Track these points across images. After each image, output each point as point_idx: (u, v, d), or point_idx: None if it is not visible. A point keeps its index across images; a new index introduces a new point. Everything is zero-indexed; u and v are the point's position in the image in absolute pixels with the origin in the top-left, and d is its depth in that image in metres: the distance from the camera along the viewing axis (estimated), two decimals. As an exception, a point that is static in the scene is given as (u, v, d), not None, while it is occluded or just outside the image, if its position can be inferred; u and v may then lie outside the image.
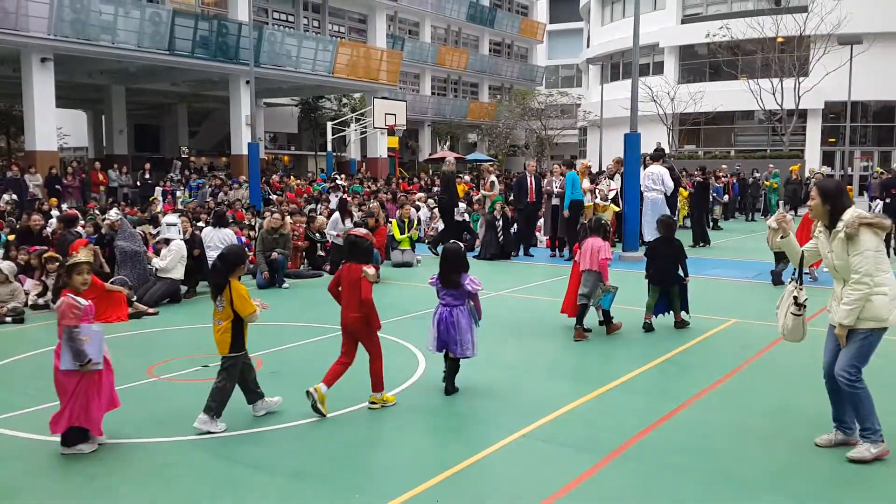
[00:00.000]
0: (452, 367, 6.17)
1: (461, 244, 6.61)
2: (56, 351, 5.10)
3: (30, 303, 9.98)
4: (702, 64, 41.19)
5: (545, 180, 15.33)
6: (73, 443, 4.97)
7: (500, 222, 14.66)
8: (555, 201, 14.58)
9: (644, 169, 15.63)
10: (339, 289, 5.80)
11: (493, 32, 50.34)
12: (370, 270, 5.56)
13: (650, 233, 14.70)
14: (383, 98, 30.73)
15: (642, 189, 15.17)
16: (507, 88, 51.44)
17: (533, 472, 4.71)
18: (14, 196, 17.69)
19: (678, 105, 36.69)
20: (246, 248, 13.01)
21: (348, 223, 13.55)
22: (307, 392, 5.59)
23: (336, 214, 14.00)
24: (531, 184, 15.01)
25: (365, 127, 31.59)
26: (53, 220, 13.34)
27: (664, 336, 8.18)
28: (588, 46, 49.90)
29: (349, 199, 17.80)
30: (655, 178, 15.39)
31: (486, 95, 50.48)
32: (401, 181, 28.29)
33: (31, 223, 12.62)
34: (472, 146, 49.74)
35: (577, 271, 8.10)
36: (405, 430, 5.48)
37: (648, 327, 8.25)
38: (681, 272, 8.26)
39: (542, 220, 16.35)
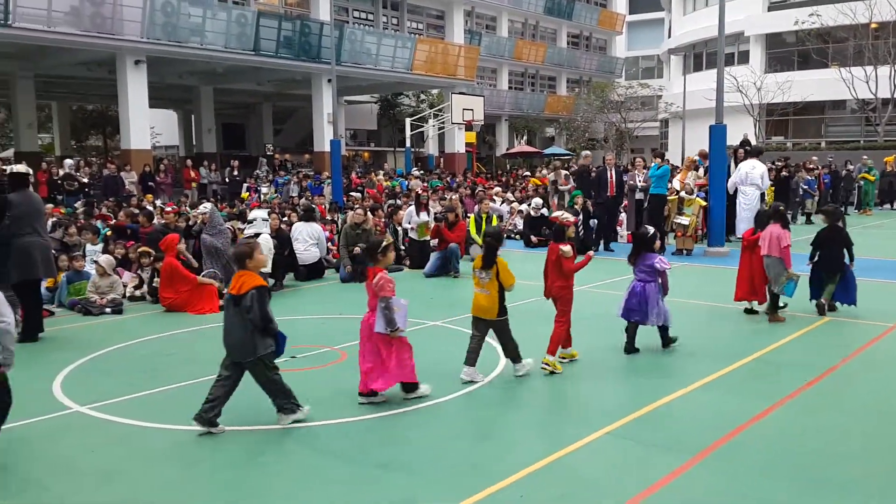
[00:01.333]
0: (634, 330, 7.20)
1: (650, 229, 7.38)
2: (366, 319, 5.85)
3: (127, 294, 10.47)
4: (790, 52, 39.64)
5: (627, 174, 15.07)
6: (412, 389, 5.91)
7: (580, 217, 14.49)
8: (638, 195, 14.33)
9: (738, 162, 15.19)
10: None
11: (571, 25, 49.74)
12: (566, 248, 6.64)
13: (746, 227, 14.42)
14: (461, 93, 30.82)
15: (738, 183, 14.77)
16: (586, 81, 50.76)
17: (617, 470, 4.66)
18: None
19: (765, 95, 35.44)
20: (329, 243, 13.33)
21: (423, 216, 13.67)
22: (542, 367, 6.52)
23: (411, 208, 14.14)
24: (611, 177, 14.79)
25: (443, 122, 31.75)
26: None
27: (756, 333, 7.95)
28: (669, 36, 48.70)
29: (424, 192, 17.94)
30: (755, 175, 14.91)
31: (564, 89, 49.95)
32: (478, 176, 28.33)
33: (124, 217, 13.25)
34: (549, 140, 49.33)
35: (747, 259, 8.54)
36: (489, 425, 5.51)
37: (824, 309, 8.57)
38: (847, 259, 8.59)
39: (624, 215, 16.11)
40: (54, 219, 13.64)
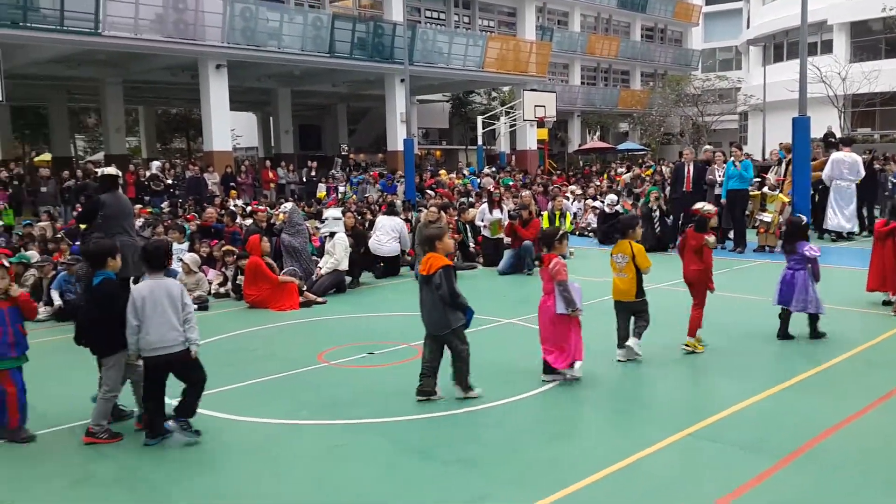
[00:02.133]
0: (787, 317, 7.40)
1: (803, 217, 7.80)
2: (543, 303, 6.27)
3: (212, 291, 10.84)
4: (876, 41, 37.85)
5: (708, 169, 14.66)
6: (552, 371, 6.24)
7: (657, 213, 14.24)
8: (718, 191, 13.96)
9: (829, 155, 14.64)
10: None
11: (646, 17, 48.79)
12: (711, 239, 7.11)
13: (843, 222, 13.93)
14: (532, 90, 30.64)
15: (830, 176, 14.25)
16: (661, 75, 49.71)
17: (700, 472, 4.59)
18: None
19: (850, 86, 33.97)
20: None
21: (496, 213, 13.66)
22: (683, 347, 6.99)
23: (484, 206, 14.16)
24: (688, 173, 14.45)
25: (514, 120, 31.65)
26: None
27: (847, 332, 7.67)
28: (748, 27, 47.19)
29: (496, 189, 17.93)
30: (851, 166, 14.36)
31: (638, 83, 49.04)
32: (552, 173, 28.12)
33: (207, 217, 13.70)
34: (623, 136, 48.55)
35: (879, 250, 8.56)
36: (569, 423, 5.50)
37: None
38: None
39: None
40: (142, 219, 14.25)
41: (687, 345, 7.10)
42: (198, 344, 5.25)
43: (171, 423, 5.20)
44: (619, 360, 6.79)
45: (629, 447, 4.90)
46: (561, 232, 6.49)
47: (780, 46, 42.41)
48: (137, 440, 5.28)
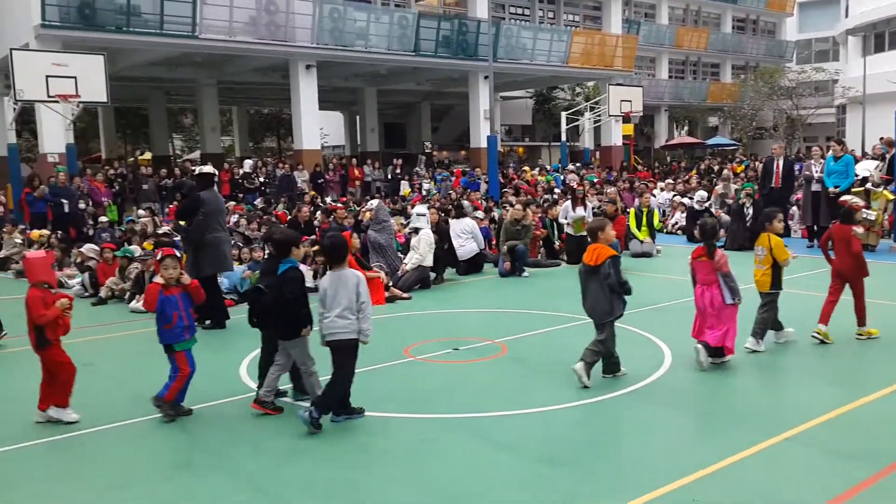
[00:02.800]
0: None
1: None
2: (700, 294, 6.58)
3: (302, 286, 11.14)
4: None
5: (802, 164, 14.11)
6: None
7: (750, 210, 13.79)
8: (815, 187, 13.41)
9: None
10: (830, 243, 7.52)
11: (737, 8, 47.18)
12: (859, 230, 7.29)
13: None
14: (618, 85, 30.13)
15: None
16: (753, 67, 47.97)
17: (796, 479, 4.44)
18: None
19: (961, 75, 31.98)
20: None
21: (580, 210, 13.52)
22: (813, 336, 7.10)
23: (567, 203, 14.03)
24: (777, 168, 13.94)
25: (599, 115, 31.20)
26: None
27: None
28: (847, 16, 44.98)
29: (580, 186, 17.70)
30: None
31: (729, 76, 47.50)
32: (636, 171, 27.60)
33: (300, 215, 14.11)
34: (712, 130, 47.13)
35: None
36: (654, 425, 5.42)
37: None
38: None
39: (795, 208, 15.14)
40: (236, 215, 14.79)
41: (860, 333, 7.25)
42: (368, 335, 5.46)
43: (300, 412, 5.42)
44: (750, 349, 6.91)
45: (719, 451, 4.79)
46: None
47: (881, 36, 40.24)
48: (234, 428, 5.50)
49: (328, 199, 19.03)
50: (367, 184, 24.53)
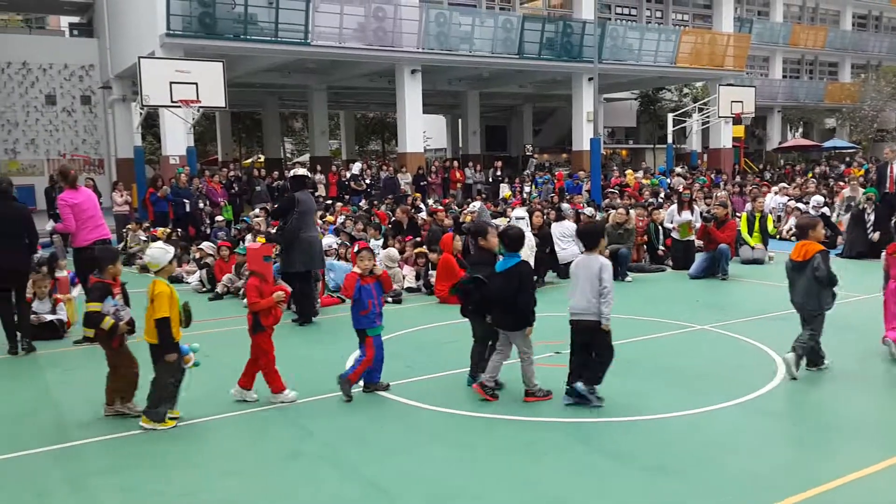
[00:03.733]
0: None
1: None
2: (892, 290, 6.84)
3: (405, 286, 11.40)
4: None
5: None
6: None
7: (871, 216, 13.08)
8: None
9: None
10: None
11: (858, 4, 44.71)
12: None
13: None
14: (729, 85, 29.14)
15: None
16: (875, 66, 45.31)
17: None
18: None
19: None
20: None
21: (686, 215, 13.18)
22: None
23: (673, 206, 13.71)
24: (891, 172, 13.17)
25: (708, 116, 30.26)
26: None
27: None
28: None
29: (687, 190, 17.26)
30: None
31: (848, 75, 45.04)
32: (747, 172, 26.59)
33: (398, 216, 14.39)
34: (829, 133, 44.82)
35: None
36: (769, 437, 5.23)
37: None
38: None
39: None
40: (343, 216, 15.24)
41: None
42: (608, 318, 5.69)
43: (580, 385, 5.77)
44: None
45: (840, 467, 4.58)
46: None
47: None
48: (341, 421, 5.68)
49: (430, 201, 19.31)
50: (468, 186, 24.72)
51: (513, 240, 6.11)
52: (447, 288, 10.40)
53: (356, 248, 6.50)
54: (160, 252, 5.68)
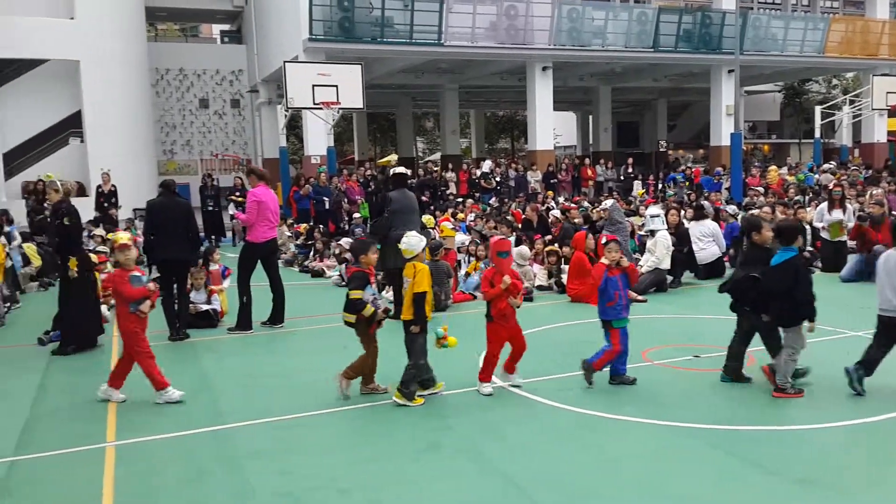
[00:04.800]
0: None
1: None
2: None
3: (536, 284, 11.41)
4: None
5: None
6: None
7: None
8: None
9: None
10: None
11: None
12: None
13: None
14: (883, 75, 27.11)
15: None
16: None
17: None
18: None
19: None
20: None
21: (836, 214, 12.41)
22: None
23: (823, 205, 12.94)
24: None
25: (859, 109, 28.29)
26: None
27: None
28: None
29: (837, 188, 16.18)
30: None
31: None
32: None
33: (528, 214, 14.40)
34: None
35: None
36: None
37: None
38: None
39: None
40: (473, 214, 15.44)
41: None
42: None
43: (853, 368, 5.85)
44: None
45: None
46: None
47: None
48: (480, 417, 5.76)
49: (561, 199, 19.19)
50: (599, 184, 24.36)
51: (787, 232, 6.02)
52: (579, 286, 10.33)
53: (603, 240, 6.65)
54: (416, 240, 6.21)
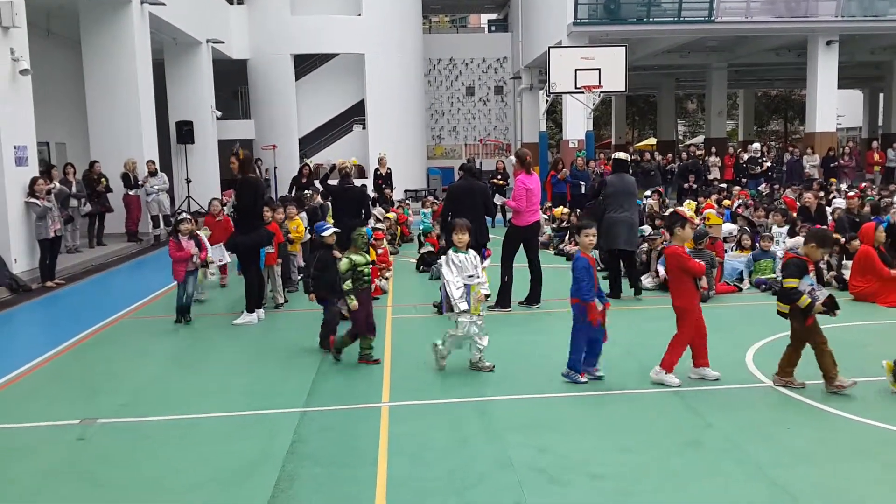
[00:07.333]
0: None
1: None
2: None
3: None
4: None
5: None
6: None
7: None
8: None
9: None
10: None
11: None
12: None
13: None
14: None
15: None
16: None
17: None
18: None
19: None
20: None
21: None
22: None
23: None
24: None
25: None
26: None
27: None
28: None
29: None
30: None
31: None
32: None
33: (804, 201, 13.21)
34: None
35: None
36: None
37: None
38: None
39: None
40: (740, 200, 14.52)
41: None
42: None
43: None
44: None
45: None
46: None
47: None
48: (745, 417, 5.48)
49: (842, 187, 17.37)
50: (889, 170, 21.68)
51: None
52: (863, 284, 9.35)
53: None
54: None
